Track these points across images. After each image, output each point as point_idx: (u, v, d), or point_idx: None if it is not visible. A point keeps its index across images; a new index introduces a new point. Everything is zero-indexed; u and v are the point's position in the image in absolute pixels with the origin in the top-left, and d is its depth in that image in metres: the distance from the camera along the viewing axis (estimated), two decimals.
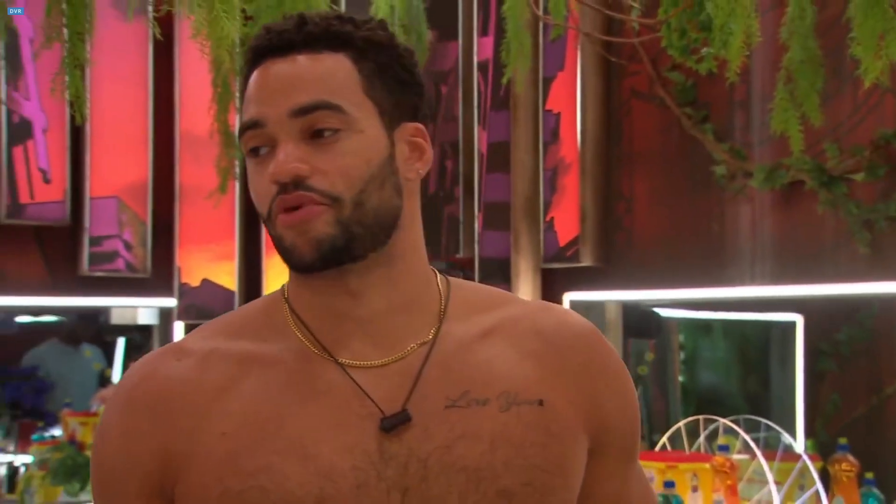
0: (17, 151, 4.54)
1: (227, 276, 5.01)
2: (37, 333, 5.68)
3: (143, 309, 5.11)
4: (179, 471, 1.12)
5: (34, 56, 3.89)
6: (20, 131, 4.55)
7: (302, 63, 1.12)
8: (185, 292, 4.98)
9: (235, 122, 4.32)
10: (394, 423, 1.11)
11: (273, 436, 1.11)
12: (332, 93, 1.11)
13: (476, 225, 4.52)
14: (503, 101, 4.41)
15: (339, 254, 1.10)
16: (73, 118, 4.49)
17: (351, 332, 1.14)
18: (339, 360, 1.13)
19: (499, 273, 4.42)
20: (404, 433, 1.11)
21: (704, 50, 2.98)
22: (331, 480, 1.09)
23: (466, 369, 1.14)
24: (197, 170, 4.82)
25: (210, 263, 5.01)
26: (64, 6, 3.11)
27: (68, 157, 4.67)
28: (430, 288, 1.18)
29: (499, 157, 4.45)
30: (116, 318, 5.20)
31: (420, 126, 1.18)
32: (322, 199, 1.09)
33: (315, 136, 1.10)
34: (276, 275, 4.94)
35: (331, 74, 1.12)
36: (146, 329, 5.17)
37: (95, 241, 4.75)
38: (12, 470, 5.04)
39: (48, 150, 4.61)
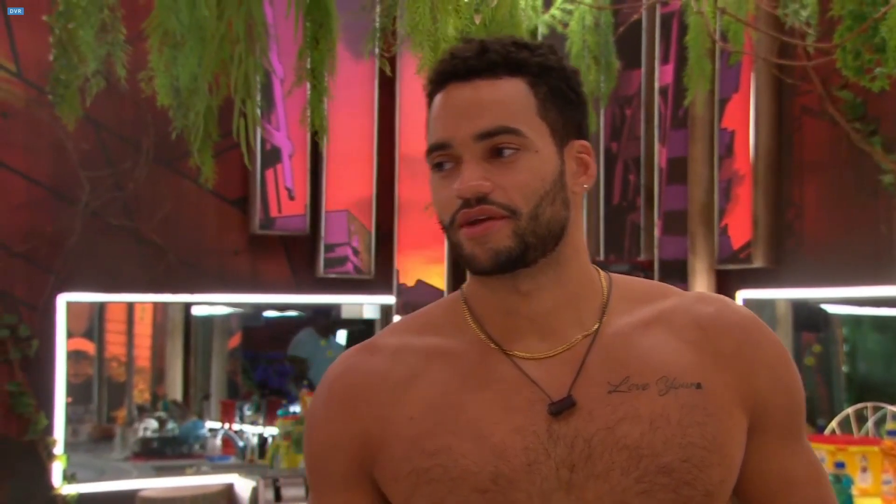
0: (269, 174, 4.74)
1: (438, 277, 5.11)
2: (280, 326, 5.89)
3: (367, 305, 5.25)
4: (377, 452, 1.12)
5: (285, 94, 4.06)
6: (271, 157, 4.76)
7: (483, 88, 1.10)
8: (402, 291, 5.11)
9: None
10: (560, 408, 1.09)
11: (452, 420, 1.10)
12: (511, 117, 1.09)
13: (656, 231, 4.48)
14: (681, 121, 4.35)
15: (515, 262, 1.09)
16: (314, 144, 4.70)
17: (522, 327, 1.13)
18: (511, 353, 1.12)
19: (676, 273, 4.36)
20: (570, 416, 1.09)
21: (878, 70, 2.87)
22: (504, 459, 1.08)
23: (627, 357, 1.12)
24: (413, 186, 4.94)
25: (423, 266, 5.12)
26: (310, 52, 3.24)
27: (308, 178, 4.85)
28: (592, 285, 1.16)
29: (677, 170, 4.40)
30: (346, 314, 5.35)
31: (586, 143, 1.15)
32: (502, 212, 1.08)
33: (496, 154, 1.09)
34: None
35: (510, 99, 1.09)
36: (370, 322, 5.32)
37: (329, 248, 4.91)
38: (262, 440, 5.27)
39: (293, 172, 4.81)
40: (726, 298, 1.18)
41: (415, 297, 5.09)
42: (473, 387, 1.11)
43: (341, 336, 5.79)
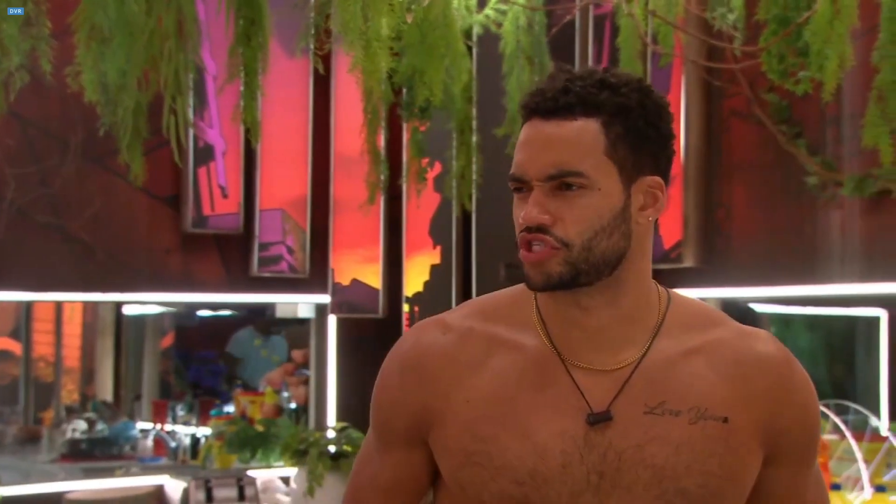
0: (202, 171, 4.69)
1: (373, 276, 5.10)
2: (213, 326, 5.82)
3: (302, 304, 5.21)
4: (434, 423, 1.25)
5: (218, 91, 4.01)
6: (204, 154, 4.70)
7: (559, 127, 1.19)
8: (337, 290, 5.09)
9: (382, 144, 4.40)
10: (597, 420, 1.20)
11: (503, 413, 1.21)
12: (577, 158, 1.18)
13: None
14: None
15: (566, 285, 1.20)
16: (247, 142, 4.65)
17: (579, 338, 1.23)
18: (566, 359, 1.23)
19: None
20: (606, 428, 1.20)
21: (802, 73, 2.94)
22: (542, 459, 1.20)
23: (667, 382, 1.22)
24: (348, 185, 4.92)
25: (359, 265, 5.10)
26: (242, 49, 3.21)
27: (242, 176, 4.80)
28: (649, 304, 1.25)
29: None
30: (280, 313, 5.31)
31: (657, 179, 1.23)
32: (556, 244, 1.18)
33: (565, 187, 1.19)
34: (415, 274, 5.01)
35: (579, 140, 1.19)
36: (305, 321, 5.29)
37: (263, 247, 4.87)
38: (194, 440, 5.20)
39: (226, 169, 4.76)
40: (768, 336, 1.28)
41: (350, 296, 5.08)
42: (528, 386, 1.22)
43: (278, 336, 5.75)
